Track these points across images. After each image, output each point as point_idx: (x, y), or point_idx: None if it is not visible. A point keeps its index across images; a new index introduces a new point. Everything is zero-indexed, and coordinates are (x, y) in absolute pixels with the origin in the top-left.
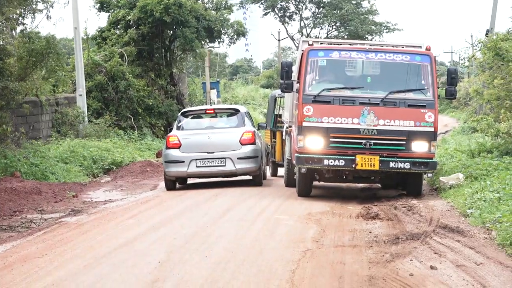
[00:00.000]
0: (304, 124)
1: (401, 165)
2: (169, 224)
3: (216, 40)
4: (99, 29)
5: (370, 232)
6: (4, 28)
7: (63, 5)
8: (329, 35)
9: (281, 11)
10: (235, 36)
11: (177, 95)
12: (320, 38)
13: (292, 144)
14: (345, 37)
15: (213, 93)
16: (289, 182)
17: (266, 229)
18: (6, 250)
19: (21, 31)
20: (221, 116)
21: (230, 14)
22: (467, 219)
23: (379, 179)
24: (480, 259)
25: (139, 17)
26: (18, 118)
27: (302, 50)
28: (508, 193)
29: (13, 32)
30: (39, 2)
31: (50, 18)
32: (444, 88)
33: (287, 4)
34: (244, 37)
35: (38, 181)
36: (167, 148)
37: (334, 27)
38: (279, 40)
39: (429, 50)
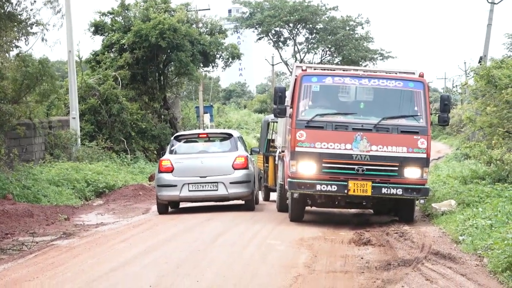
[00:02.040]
0: (297, 149)
1: (393, 191)
2: (161, 248)
3: (211, 64)
4: (93, 52)
5: (362, 258)
6: (0, 52)
7: (57, 28)
8: (323, 60)
9: (275, 36)
10: (230, 58)
11: (170, 118)
12: (314, 63)
13: (285, 169)
14: (339, 62)
15: (207, 117)
16: (282, 207)
17: (258, 254)
18: None
19: (17, 54)
20: (214, 141)
21: (224, 38)
22: (459, 245)
23: (372, 204)
24: (472, 286)
25: (134, 41)
26: (11, 140)
27: (296, 76)
28: (500, 220)
29: (7, 54)
30: (34, 25)
31: (46, 40)
32: (437, 114)
33: (281, 29)
34: (239, 59)
35: (30, 203)
36: (160, 172)
37: (327, 52)
38: (272, 65)
39: (422, 76)
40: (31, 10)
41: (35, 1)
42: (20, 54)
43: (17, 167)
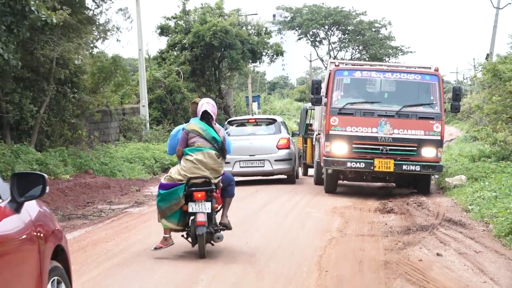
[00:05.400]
0: (331, 132)
1: (412, 167)
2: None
3: (258, 60)
4: (159, 51)
5: (386, 224)
6: (81, 50)
7: (127, 30)
8: (353, 57)
9: (313, 37)
10: (274, 55)
11: (224, 106)
12: (345, 60)
13: (321, 149)
14: (366, 59)
15: (255, 105)
16: (318, 181)
17: (298, 221)
18: (80, 235)
19: (95, 52)
20: (261, 125)
21: (269, 38)
22: (468, 214)
23: (394, 179)
24: (479, 248)
25: (193, 41)
26: (91, 124)
27: (330, 70)
28: (503, 192)
29: (87, 53)
30: (108, 31)
31: (119, 41)
32: (450, 103)
33: (317, 31)
34: (282, 56)
35: (108, 177)
36: None
37: (357, 50)
38: (310, 61)
39: (437, 71)
40: (105, 14)
41: (109, 7)
42: (96, 52)
43: (96, 147)
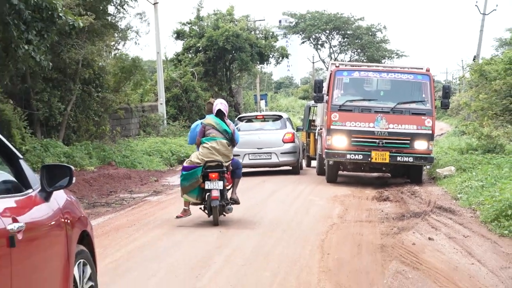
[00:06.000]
0: (332, 127)
1: (406, 159)
2: None
3: (265, 62)
4: (175, 53)
5: (382, 211)
6: (104, 52)
7: (145, 33)
8: (352, 59)
9: (315, 40)
10: (280, 58)
11: (235, 104)
12: (345, 61)
13: (323, 142)
14: (364, 60)
15: (262, 103)
16: (320, 172)
17: (302, 207)
18: (104, 221)
19: (115, 54)
20: (268, 121)
21: (275, 42)
22: (457, 201)
23: (389, 170)
24: (467, 232)
25: (206, 45)
26: (113, 120)
27: (331, 71)
28: (489, 182)
29: (110, 55)
30: (128, 38)
31: (138, 44)
32: (440, 100)
33: (319, 35)
34: (287, 58)
35: (129, 168)
36: None
37: (355, 53)
38: (313, 62)
39: (429, 71)
40: (124, 18)
41: (128, 13)
42: (117, 54)
43: (118, 141)
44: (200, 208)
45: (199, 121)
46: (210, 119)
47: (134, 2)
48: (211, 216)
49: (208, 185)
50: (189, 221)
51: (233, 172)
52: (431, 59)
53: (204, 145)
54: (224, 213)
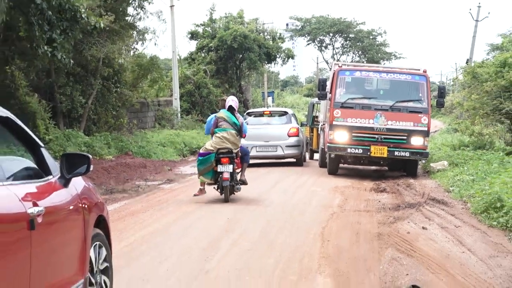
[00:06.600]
0: (334, 123)
1: (403, 153)
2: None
3: (272, 61)
4: (189, 53)
5: (379, 201)
6: (124, 51)
7: (162, 32)
8: (353, 60)
9: (319, 43)
10: (286, 58)
11: (244, 100)
12: (347, 62)
13: (325, 137)
14: (365, 61)
15: (270, 99)
16: (322, 164)
17: (305, 197)
18: (120, 206)
19: (134, 53)
20: (274, 116)
21: (282, 43)
22: (449, 194)
23: (387, 163)
24: (459, 223)
25: (218, 45)
26: (131, 113)
27: (334, 70)
28: (479, 176)
29: (129, 53)
30: (145, 38)
31: (157, 44)
32: (436, 99)
33: (323, 37)
34: (293, 58)
35: (144, 158)
36: None
37: (357, 54)
38: (317, 63)
39: (425, 72)
40: (143, 19)
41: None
42: (136, 53)
43: (135, 132)
44: (214, 188)
45: (213, 115)
46: (222, 113)
47: (151, 4)
48: (223, 194)
49: (220, 168)
50: (204, 198)
51: (242, 158)
52: (427, 62)
53: (217, 135)
54: (234, 191)
